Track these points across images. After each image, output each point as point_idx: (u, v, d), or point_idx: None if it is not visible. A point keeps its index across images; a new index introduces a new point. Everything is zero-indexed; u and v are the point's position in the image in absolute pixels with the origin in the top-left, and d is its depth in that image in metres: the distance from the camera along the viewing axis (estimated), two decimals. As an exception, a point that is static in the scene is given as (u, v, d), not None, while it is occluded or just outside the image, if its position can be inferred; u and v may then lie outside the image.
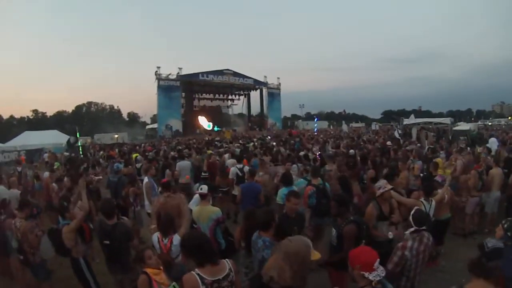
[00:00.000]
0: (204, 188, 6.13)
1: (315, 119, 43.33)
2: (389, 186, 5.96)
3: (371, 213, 5.82)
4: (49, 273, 6.52)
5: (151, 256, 4.21)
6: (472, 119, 76.76)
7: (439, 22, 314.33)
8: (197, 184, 8.91)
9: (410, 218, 4.63)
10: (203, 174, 9.61)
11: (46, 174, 13.00)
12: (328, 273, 5.23)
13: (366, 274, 2.90)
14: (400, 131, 21.77)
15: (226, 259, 3.61)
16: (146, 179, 9.25)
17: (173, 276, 4.24)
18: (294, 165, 10.57)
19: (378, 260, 2.98)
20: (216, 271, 3.37)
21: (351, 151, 13.76)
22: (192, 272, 3.32)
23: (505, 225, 4.42)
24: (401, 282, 4.50)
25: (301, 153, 13.28)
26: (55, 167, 14.35)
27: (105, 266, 5.75)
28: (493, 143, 18.10)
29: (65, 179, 9.99)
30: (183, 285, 3.31)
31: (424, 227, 4.59)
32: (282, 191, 7.21)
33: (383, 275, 2.93)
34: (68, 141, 22.70)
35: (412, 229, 4.55)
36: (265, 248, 4.30)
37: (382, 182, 5.96)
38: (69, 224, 5.75)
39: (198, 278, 3.25)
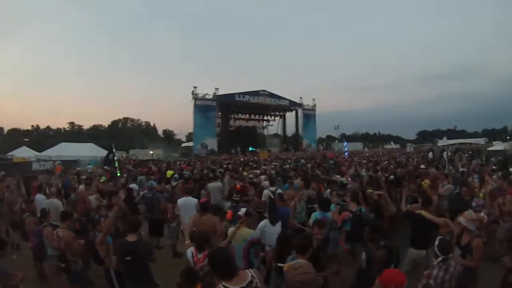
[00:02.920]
0: (242, 211, 6.37)
1: (345, 143, 42.63)
2: (461, 219, 5.78)
3: None
4: (88, 281, 6.94)
5: None
6: (508, 137, 74.16)
7: (475, 36, 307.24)
8: (228, 203, 9.03)
9: (436, 248, 4.71)
10: (235, 196, 9.59)
11: (82, 187, 13.28)
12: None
13: None
14: (449, 153, 21.33)
15: (249, 269, 3.94)
16: (183, 198, 9.38)
17: None
18: (327, 190, 10.45)
19: (407, 282, 3.25)
20: (237, 281, 3.59)
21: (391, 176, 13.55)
22: (219, 285, 3.52)
23: None
24: None
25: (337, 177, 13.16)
26: (101, 180, 14.61)
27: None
28: None
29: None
30: None
31: (451, 255, 4.69)
32: (315, 214, 7.29)
33: None
34: (107, 157, 23.20)
35: (439, 258, 4.59)
36: None
37: (466, 213, 5.87)
38: (100, 236, 6.26)
39: None
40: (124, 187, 12.78)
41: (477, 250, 5.44)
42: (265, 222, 6.73)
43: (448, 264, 4.56)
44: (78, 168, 26.96)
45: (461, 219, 5.76)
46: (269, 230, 6.56)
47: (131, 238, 5.74)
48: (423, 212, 6.86)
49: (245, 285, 3.60)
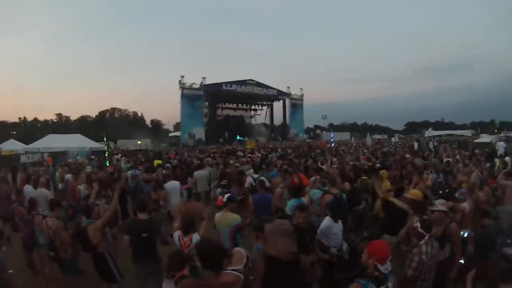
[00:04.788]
0: (225, 197, 6.54)
1: (331, 134, 42.50)
2: (442, 207, 5.71)
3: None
4: (78, 269, 7.02)
5: None
6: (496, 130, 74.59)
7: (466, 31, 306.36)
8: (219, 190, 9.29)
9: (419, 228, 4.79)
10: (222, 181, 9.90)
11: (69, 176, 13.38)
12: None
13: (379, 266, 3.51)
14: (435, 143, 21.57)
15: (237, 247, 4.32)
16: (169, 183, 10.31)
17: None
18: (313, 178, 10.58)
19: (390, 257, 3.60)
20: (239, 259, 3.88)
21: (377, 165, 13.68)
22: (228, 272, 3.73)
23: None
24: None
25: (323, 166, 13.29)
26: (87, 170, 14.68)
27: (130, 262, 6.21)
28: (500, 147, 18.00)
29: (94, 183, 10.41)
30: (230, 285, 3.73)
31: (433, 232, 4.87)
32: (291, 202, 7.27)
33: (389, 269, 3.57)
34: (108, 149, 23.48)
35: (426, 237, 4.72)
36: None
37: (438, 201, 5.91)
38: (95, 223, 6.43)
39: (237, 273, 3.71)
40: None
41: (456, 233, 5.67)
42: (328, 221, 6.23)
43: (432, 240, 4.78)
44: (69, 160, 27.01)
45: (441, 207, 5.71)
46: (335, 230, 6.13)
47: (142, 216, 6.26)
48: (395, 200, 7.11)
49: (246, 261, 3.89)
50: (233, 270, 3.71)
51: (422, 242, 4.72)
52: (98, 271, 6.40)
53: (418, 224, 4.84)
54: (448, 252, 5.46)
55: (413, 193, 6.86)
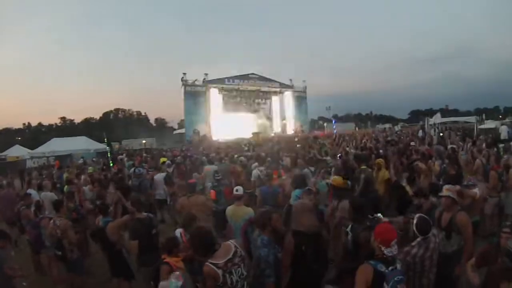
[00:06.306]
0: (240, 190, 6.48)
1: (333, 122, 42.27)
2: (448, 193, 5.27)
3: None
4: (83, 269, 7.14)
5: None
6: (500, 116, 74.12)
7: (469, 19, 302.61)
8: (210, 184, 9.28)
9: (413, 226, 4.47)
10: (216, 175, 9.87)
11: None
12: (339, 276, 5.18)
13: (383, 248, 3.53)
14: (437, 130, 21.43)
15: (230, 240, 4.20)
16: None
17: (193, 271, 4.68)
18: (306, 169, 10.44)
19: (396, 240, 3.58)
20: (223, 253, 3.89)
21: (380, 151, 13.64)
22: (207, 263, 3.79)
23: None
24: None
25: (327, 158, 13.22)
26: (89, 171, 14.73)
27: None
28: (503, 130, 17.95)
29: (95, 183, 10.50)
30: (205, 277, 3.83)
31: (430, 234, 4.41)
32: (295, 193, 7.21)
33: (395, 253, 3.58)
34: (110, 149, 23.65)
35: (418, 239, 4.40)
36: (262, 247, 4.57)
37: (445, 187, 5.45)
38: (115, 221, 6.47)
39: (213, 266, 3.75)
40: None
41: (464, 224, 5.01)
42: None
43: (428, 241, 4.39)
44: (80, 161, 27.33)
45: (447, 192, 5.25)
46: None
47: (141, 215, 6.17)
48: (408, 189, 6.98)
49: (231, 256, 3.88)
50: (211, 263, 3.78)
51: (414, 243, 4.41)
52: (114, 268, 6.45)
53: (415, 221, 4.48)
54: (457, 244, 5.08)
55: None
